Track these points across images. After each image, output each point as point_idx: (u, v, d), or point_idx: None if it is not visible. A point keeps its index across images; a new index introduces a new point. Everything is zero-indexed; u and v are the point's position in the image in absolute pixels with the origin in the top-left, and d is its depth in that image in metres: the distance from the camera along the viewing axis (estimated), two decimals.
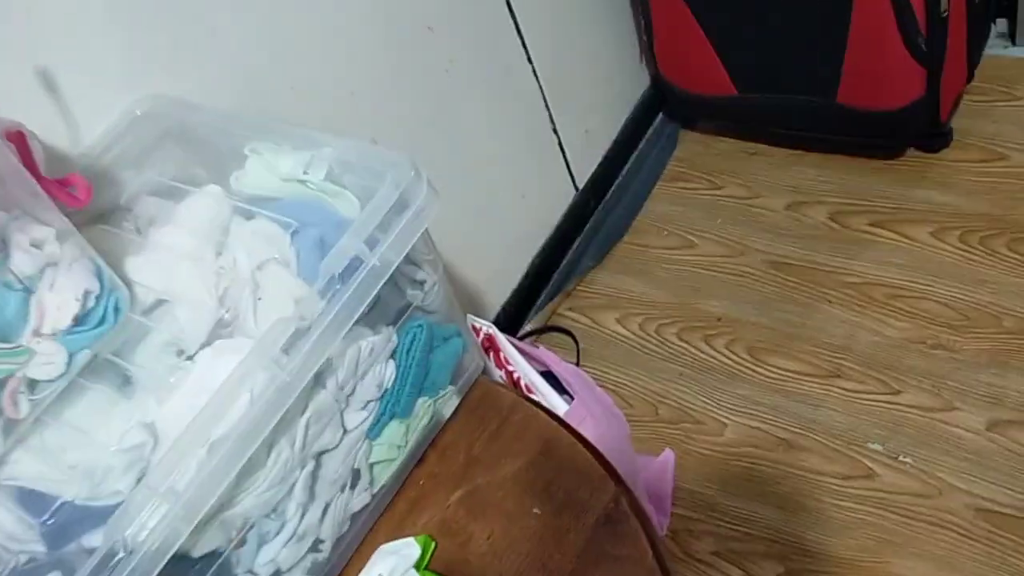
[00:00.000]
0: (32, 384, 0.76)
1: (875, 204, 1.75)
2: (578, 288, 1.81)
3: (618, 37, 1.88)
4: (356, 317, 0.78)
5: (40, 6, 0.91)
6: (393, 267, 0.79)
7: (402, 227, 0.80)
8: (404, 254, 0.80)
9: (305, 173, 0.88)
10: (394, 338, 0.87)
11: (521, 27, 1.57)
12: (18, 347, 0.73)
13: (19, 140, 0.73)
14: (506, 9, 1.53)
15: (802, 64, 1.66)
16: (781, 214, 1.80)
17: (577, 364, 1.67)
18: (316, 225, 0.85)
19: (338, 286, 0.77)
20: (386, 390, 0.87)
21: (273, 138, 0.92)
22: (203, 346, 0.81)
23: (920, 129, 1.72)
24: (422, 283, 0.88)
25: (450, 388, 0.94)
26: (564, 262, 1.82)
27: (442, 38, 1.42)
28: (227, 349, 0.78)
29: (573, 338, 1.70)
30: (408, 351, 0.88)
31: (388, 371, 0.86)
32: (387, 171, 0.83)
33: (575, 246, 1.84)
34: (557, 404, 1.17)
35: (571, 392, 1.23)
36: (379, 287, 0.79)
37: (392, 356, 0.87)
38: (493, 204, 1.63)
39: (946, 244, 1.66)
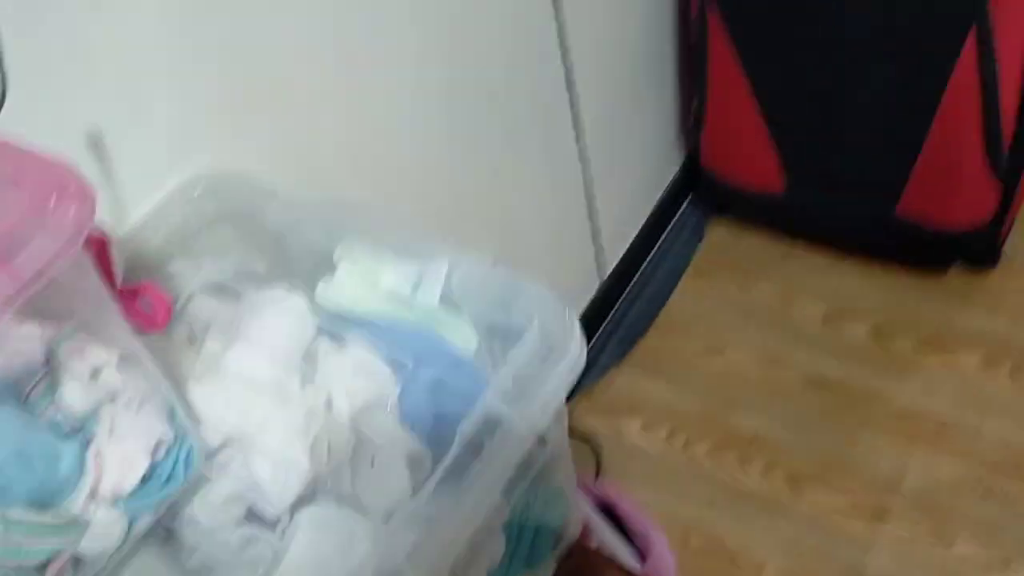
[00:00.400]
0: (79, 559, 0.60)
1: (920, 324, 1.68)
2: (598, 388, 1.69)
3: (659, 115, 1.79)
4: (491, 493, 0.64)
5: (96, 56, 0.76)
6: (537, 432, 0.66)
7: (549, 384, 0.67)
8: (550, 417, 0.67)
9: (413, 292, 0.75)
10: (506, 508, 0.73)
11: (578, 101, 1.46)
12: (69, 522, 0.58)
13: (99, 247, 0.58)
14: (563, 80, 1.42)
15: (866, 168, 1.58)
16: (819, 326, 1.72)
17: (596, 477, 1.54)
18: (428, 361, 0.72)
19: (471, 453, 0.64)
20: (493, 569, 0.73)
21: (368, 241, 0.79)
22: (287, 511, 0.66)
23: (978, 249, 1.65)
24: (545, 441, 0.75)
25: (550, 558, 0.81)
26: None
27: (500, 105, 1.30)
28: (330, 526, 0.64)
29: (597, 453, 1.57)
30: (519, 523, 0.75)
31: (498, 546, 0.73)
32: (519, 303, 0.71)
33: (596, 340, 1.73)
34: (627, 558, 1.05)
35: (633, 533, 1.11)
36: (519, 456, 0.66)
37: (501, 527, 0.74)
38: None
39: (997, 376, 1.59)
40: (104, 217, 0.79)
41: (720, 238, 1.90)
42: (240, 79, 0.89)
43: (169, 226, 0.82)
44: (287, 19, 0.92)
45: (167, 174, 0.84)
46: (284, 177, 0.94)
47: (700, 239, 1.90)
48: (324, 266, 0.80)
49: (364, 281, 0.76)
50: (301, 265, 0.82)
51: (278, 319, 0.75)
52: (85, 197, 0.51)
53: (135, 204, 0.82)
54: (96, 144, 0.78)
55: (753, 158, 1.68)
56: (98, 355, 0.63)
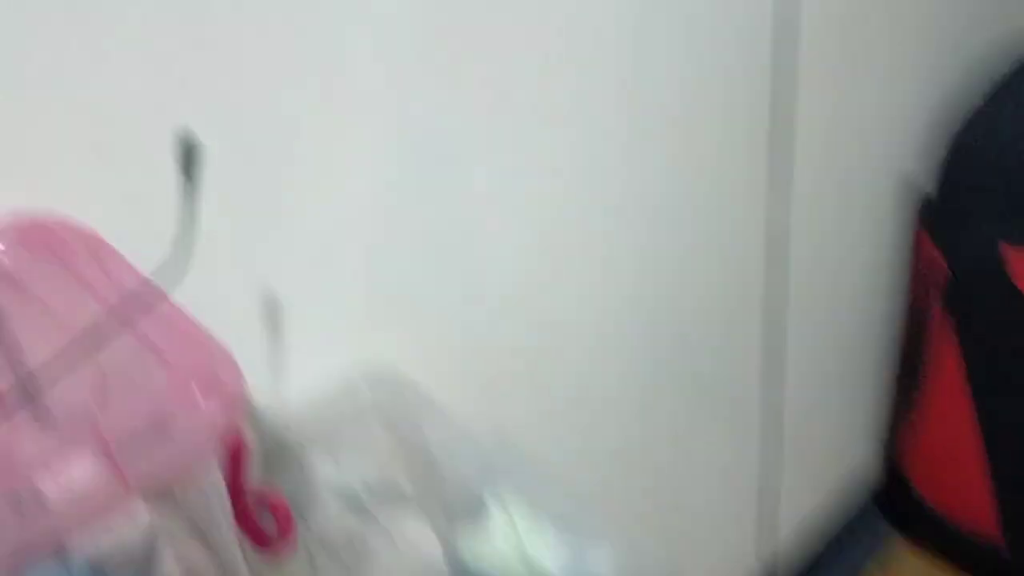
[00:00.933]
0: None
1: None
2: None
3: (858, 405, 1.65)
4: None
5: (295, 213, 0.72)
6: None
7: None
8: None
9: None
10: None
11: (777, 373, 1.35)
12: None
13: (234, 449, 0.52)
14: (759, 347, 1.32)
15: None
16: None
17: None
18: None
19: None
20: None
21: (525, 495, 0.70)
22: None
23: None
24: None
25: None
26: None
27: (690, 359, 1.21)
28: None
29: None
30: None
31: None
32: None
33: None
34: None
35: None
36: None
37: None
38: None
39: None
40: (257, 381, 0.75)
41: (908, 566, 1.70)
42: (436, 276, 0.84)
43: (317, 412, 0.76)
44: (501, 230, 0.88)
45: (331, 356, 0.78)
46: (450, 392, 0.87)
47: (882, 556, 1.71)
48: (471, 503, 0.72)
49: (513, 544, 0.67)
50: (446, 494, 0.73)
51: (408, 566, 0.65)
52: (233, 398, 0.44)
53: (289, 379, 0.76)
54: (271, 309, 0.73)
55: (965, 492, 1.51)
56: (197, 563, 0.55)
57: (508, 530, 0.68)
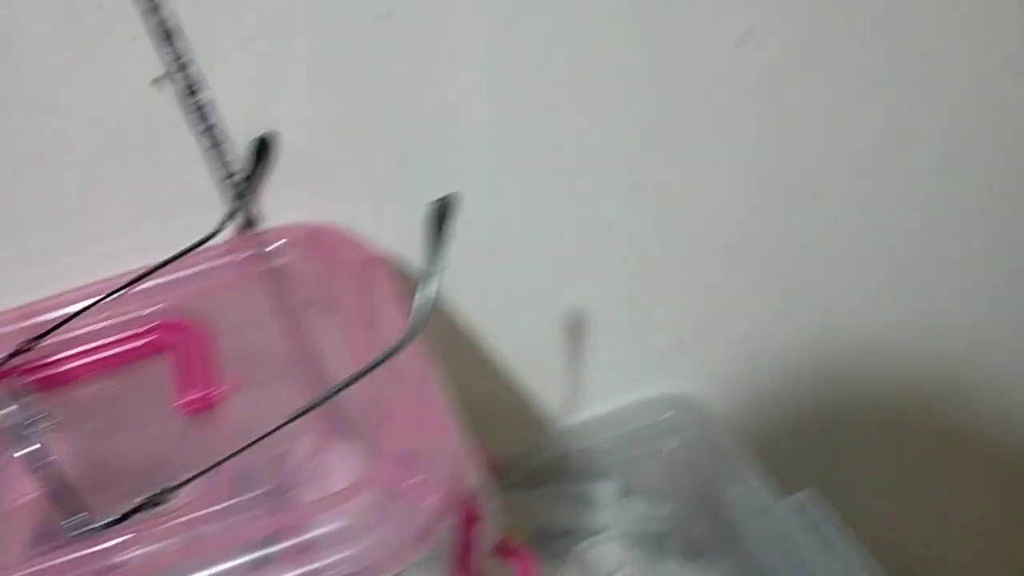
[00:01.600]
0: None
1: None
2: None
3: None
4: None
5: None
6: None
7: None
8: None
9: None
10: None
11: None
12: None
13: (467, 518, 0.48)
14: None
15: None
16: None
17: None
18: None
19: None
20: None
21: None
22: None
23: None
24: None
25: None
26: None
27: None
28: None
29: None
30: None
31: None
32: None
33: None
34: None
35: None
36: None
37: None
38: None
39: None
40: (553, 407, 0.72)
41: None
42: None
43: (615, 439, 0.72)
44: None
45: (635, 383, 0.73)
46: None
47: None
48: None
49: None
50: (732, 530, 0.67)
51: None
52: (447, 491, 0.40)
53: (589, 402, 0.72)
54: (575, 326, 0.69)
55: None
56: None
57: None
